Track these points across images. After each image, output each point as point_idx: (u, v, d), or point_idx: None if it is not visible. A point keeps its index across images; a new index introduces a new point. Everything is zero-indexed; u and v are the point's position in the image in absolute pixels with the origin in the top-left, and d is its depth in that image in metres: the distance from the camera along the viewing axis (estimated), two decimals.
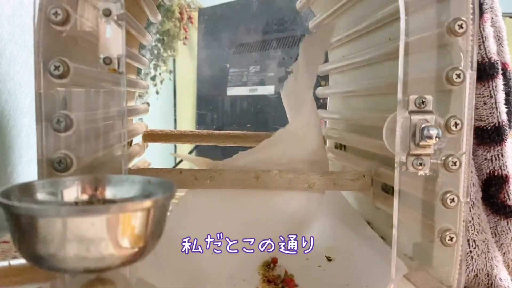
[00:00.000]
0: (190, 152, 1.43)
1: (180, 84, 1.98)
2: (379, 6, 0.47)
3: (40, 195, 0.26)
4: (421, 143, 0.33)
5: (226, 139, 0.66)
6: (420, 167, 0.33)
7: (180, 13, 1.70)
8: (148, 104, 1.82)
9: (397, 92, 0.34)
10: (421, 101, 0.33)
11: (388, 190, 0.48)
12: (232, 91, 1.27)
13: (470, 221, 0.41)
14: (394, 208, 0.34)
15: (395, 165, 0.34)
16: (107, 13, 0.29)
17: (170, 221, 0.46)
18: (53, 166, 0.30)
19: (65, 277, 0.24)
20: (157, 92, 1.77)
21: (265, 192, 0.49)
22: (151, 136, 0.66)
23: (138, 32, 0.59)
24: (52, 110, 0.31)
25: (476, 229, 0.41)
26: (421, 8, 0.35)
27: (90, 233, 0.21)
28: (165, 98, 1.95)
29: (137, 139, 0.67)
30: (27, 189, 0.26)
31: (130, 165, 0.63)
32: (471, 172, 0.42)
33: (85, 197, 0.28)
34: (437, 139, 0.32)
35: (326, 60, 0.72)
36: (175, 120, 2.00)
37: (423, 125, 0.32)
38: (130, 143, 0.63)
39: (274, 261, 0.47)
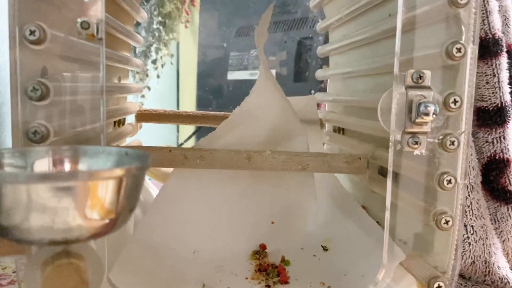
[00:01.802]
0: (191, 136, 1.42)
1: (182, 68, 1.96)
2: None
3: (7, 165, 0.24)
4: (417, 120, 0.31)
5: (222, 120, 0.64)
6: (416, 146, 0.32)
7: None
8: (149, 88, 1.80)
9: (394, 64, 0.32)
10: (418, 75, 0.31)
11: (384, 173, 0.46)
12: (233, 75, 1.25)
13: (469, 206, 0.40)
14: (387, 189, 0.33)
15: (390, 144, 0.33)
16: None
17: (151, 215, 0.45)
18: (28, 137, 0.29)
19: (31, 249, 0.22)
20: (158, 76, 1.75)
21: (253, 175, 0.48)
22: (144, 116, 0.64)
23: (131, 8, 0.58)
24: (28, 78, 0.29)
25: (475, 214, 0.40)
26: None
27: (54, 202, 0.20)
28: (168, 82, 1.94)
29: (131, 119, 0.65)
30: None
31: (122, 145, 0.61)
32: (471, 155, 0.40)
33: (58, 168, 0.26)
34: (434, 115, 0.30)
35: (327, 42, 0.70)
36: (177, 104, 1.99)
37: (420, 101, 0.31)
38: (123, 122, 0.62)
39: (263, 247, 0.46)
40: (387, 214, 0.34)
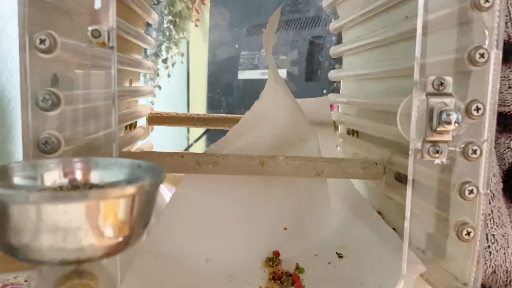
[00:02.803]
0: (200, 137, 1.41)
1: (193, 67, 1.95)
2: None
3: (19, 179, 0.24)
4: (438, 129, 0.30)
5: (233, 122, 0.63)
6: (436, 155, 0.31)
7: None
8: (159, 87, 1.81)
9: (414, 73, 0.31)
10: (439, 82, 0.30)
11: (401, 179, 0.45)
12: (244, 75, 1.24)
13: (490, 214, 0.38)
14: (407, 199, 0.32)
15: (410, 152, 0.31)
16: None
17: (163, 222, 0.44)
18: (39, 147, 0.28)
19: (42, 269, 0.22)
20: (168, 75, 1.75)
21: (266, 180, 0.47)
22: (156, 119, 0.63)
23: (142, 10, 0.57)
24: (38, 87, 0.29)
25: (496, 222, 0.38)
26: None
27: (65, 222, 0.19)
28: (178, 82, 1.93)
29: (142, 122, 0.65)
30: (4, 172, 0.24)
31: (134, 148, 0.61)
32: (492, 161, 0.39)
33: (69, 181, 0.26)
34: (456, 124, 0.29)
35: (340, 41, 0.69)
36: (188, 103, 1.99)
37: (442, 109, 0.30)
38: (134, 126, 0.61)
39: (276, 253, 0.45)
40: (407, 224, 0.33)
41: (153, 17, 0.64)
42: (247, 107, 1.26)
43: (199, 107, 1.80)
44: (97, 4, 0.27)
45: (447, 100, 0.30)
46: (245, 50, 1.24)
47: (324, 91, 1.02)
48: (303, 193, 0.48)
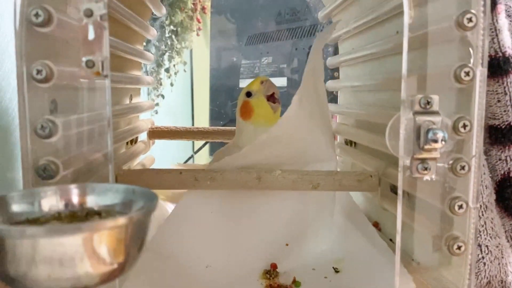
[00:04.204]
0: (202, 147, 1.42)
1: (196, 75, 1.97)
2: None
3: (18, 207, 0.25)
4: (426, 147, 0.30)
5: (233, 134, 0.64)
6: (425, 172, 0.31)
7: (193, 4, 1.68)
8: (162, 96, 1.82)
9: (401, 90, 0.32)
10: (426, 101, 0.31)
11: (396, 191, 0.46)
12: (245, 83, 1.25)
13: (483, 226, 0.39)
14: (397, 215, 0.32)
15: (399, 169, 0.32)
16: (89, 14, 0.28)
17: (165, 230, 0.45)
18: (38, 174, 0.29)
19: None
20: (171, 84, 1.76)
21: (268, 193, 0.48)
22: (156, 133, 0.64)
23: (140, 27, 0.58)
24: (36, 116, 0.30)
25: (489, 234, 0.39)
26: (427, 0, 0.33)
27: (61, 254, 0.20)
28: (182, 90, 1.95)
29: (143, 135, 0.66)
30: (3, 202, 0.25)
31: (135, 163, 0.62)
32: (484, 173, 0.40)
33: (67, 207, 0.27)
34: (443, 142, 0.30)
35: (337, 52, 0.70)
36: (192, 111, 2.00)
37: (429, 127, 0.30)
38: (135, 140, 0.62)
39: (273, 266, 0.45)
40: (398, 239, 0.33)
41: (152, 33, 0.65)
42: None
43: (204, 115, 1.82)
44: (91, 35, 0.28)
45: (434, 118, 0.31)
46: (246, 59, 1.25)
47: None
48: (305, 205, 0.49)
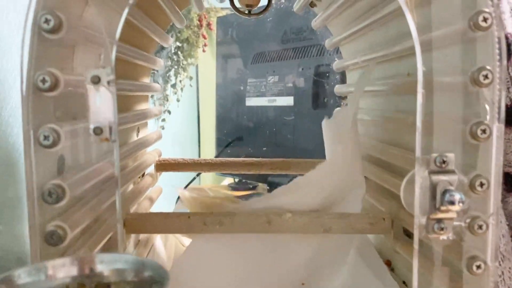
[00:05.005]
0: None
1: (202, 90, 1.97)
2: (398, 37, 0.43)
3: (26, 283, 0.24)
4: (442, 208, 0.30)
5: (241, 167, 0.63)
6: (442, 232, 0.30)
7: (199, 20, 1.68)
8: (169, 112, 1.81)
9: (416, 147, 0.31)
10: (442, 160, 0.30)
11: (410, 234, 0.45)
12: (251, 101, 1.24)
13: (500, 276, 0.38)
14: (413, 275, 0.31)
15: (414, 226, 0.31)
16: (96, 81, 0.27)
17: (177, 270, 0.45)
18: (46, 240, 0.29)
19: None
20: (177, 100, 1.76)
21: (279, 235, 0.47)
22: (163, 166, 0.64)
23: (146, 62, 0.58)
24: (43, 181, 0.29)
25: (507, 284, 0.38)
26: (442, 48, 0.32)
27: None
28: (189, 105, 1.95)
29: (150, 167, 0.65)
30: (11, 279, 0.24)
31: (142, 197, 0.61)
32: (500, 222, 0.39)
33: (75, 279, 0.26)
34: (460, 204, 0.29)
35: (344, 81, 0.69)
36: (198, 127, 2.00)
37: (445, 188, 0.29)
38: (142, 174, 0.62)
39: None
40: None
41: (159, 65, 0.64)
42: (255, 133, 1.25)
43: (210, 130, 1.81)
44: (98, 102, 0.27)
45: (450, 177, 0.30)
46: (252, 78, 1.24)
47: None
48: (322, 244, 0.48)
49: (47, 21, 0.27)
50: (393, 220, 0.45)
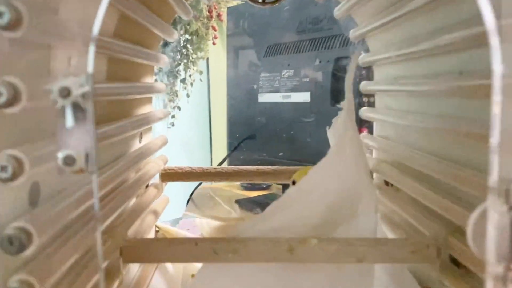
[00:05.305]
0: (224, 160, 1.35)
1: (213, 85, 1.89)
2: (448, 26, 0.36)
3: None
4: None
5: (255, 176, 0.56)
6: None
7: (209, 11, 1.61)
8: (179, 108, 1.75)
9: (489, 175, 0.23)
10: None
11: (458, 263, 0.38)
12: (264, 98, 1.17)
13: None
14: None
15: (486, 275, 0.24)
16: (65, 94, 0.20)
17: None
18: None
19: None
20: (187, 95, 1.70)
21: (304, 266, 0.40)
22: (169, 176, 0.57)
23: (150, 60, 0.51)
24: (2, 225, 0.22)
25: None
26: None
27: None
28: (199, 101, 1.88)
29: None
30: None
31: (147, 210, 0.54)
32: None
33: None
34: None
35: (371, 77, 0.61)
36: (210, 123, 1.93)
37: None
38: (147, 185, 0.55)
39: None
40: None
41: (163, 62, 0.57)
42: (269, 130, 1.17)
43: (222, 127, 1.74)
44: (69, 122, 0.20)
45: None
46: (265, 72, 1.17)
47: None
48: (345, 277, 0.41)
49: (0, 14, 0.20)
50: (439, 248, 0.38)
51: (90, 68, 0.21)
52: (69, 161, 0.21)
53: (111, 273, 0.37)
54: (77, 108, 0.21)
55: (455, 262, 0.38)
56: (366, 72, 0.71)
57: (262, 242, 0.38)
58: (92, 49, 0.22)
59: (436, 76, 0.39)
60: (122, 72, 0.46)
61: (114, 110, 0.43)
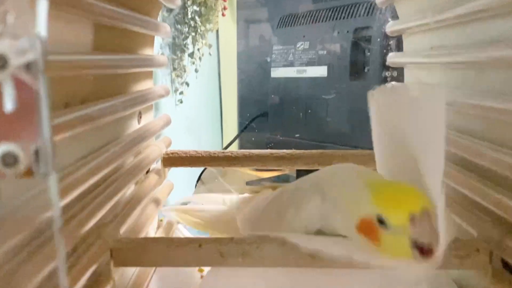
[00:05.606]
0: (234, 140, 1.29)
1: (224, 59, 1.81)
2: None
3: None
4: None
5: (267, 160, 0.50)
6: None
7: None
8: (187, 84, 1.68)
9: None
10: None
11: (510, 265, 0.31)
12: (277, 73, 1.10)
13: None
14: None
15: None
16: (1, 64, 0.14)
17: None
18: None
19: None
20: (196, 71, 1.62)
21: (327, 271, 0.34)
22: (172, 160, 0.51)
23: (149, 29, 0.44)
24: None
25: None
26: None
27: None
28: (208, 76, 1.80)
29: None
30: None
31: (148, 196, 0.49)
32: None
33: None
34: None
35: (400, 48, 0.54)
36: (220, 99, 1.86)
37: None
38: (146, 171, 0.49)
39: None
40: None
41: (164, 31, 0.51)
42: (283, 107, 1.10)
43: (233, 104, 1.67)
44: (8, 105, 0.14)
45: None
46: (278, 44, 1.09)
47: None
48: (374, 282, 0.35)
49: None
50: (492, 252, 0.31)
51: (41, 27, 0.15)
52: (9, 160, 0.15)
53: (100, 279, 0.32)
54: (21, 86, 0.14)
55: (508, 267, 0.32)
56: (395, 43, 0.64)
57: (278, 245, 0.32)
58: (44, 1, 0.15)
59: (480, 44, 0.32)
60: (114, 42, 0.39)
61: (104, 86, 0.36)
